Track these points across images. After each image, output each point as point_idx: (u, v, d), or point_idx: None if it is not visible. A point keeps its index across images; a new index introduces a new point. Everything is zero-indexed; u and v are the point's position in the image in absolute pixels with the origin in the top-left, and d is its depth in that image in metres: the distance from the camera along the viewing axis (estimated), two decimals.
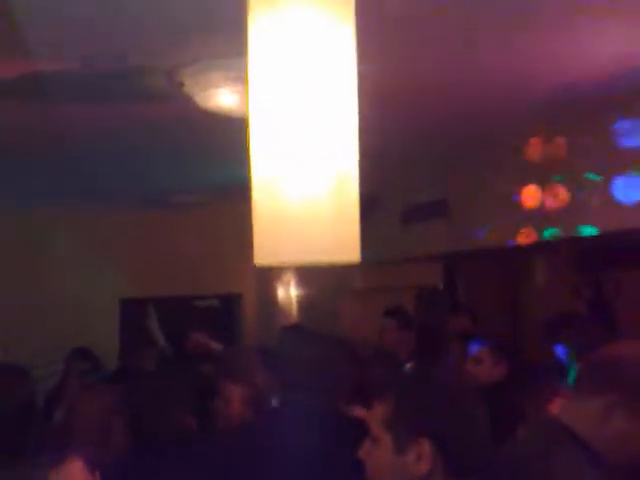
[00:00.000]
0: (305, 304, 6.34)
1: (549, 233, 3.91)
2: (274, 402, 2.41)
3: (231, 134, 3.58)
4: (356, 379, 2.46)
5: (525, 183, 3.96)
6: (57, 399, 3.77)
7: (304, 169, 0.94)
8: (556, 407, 2.03)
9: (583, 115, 3.40)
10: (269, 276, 6.49)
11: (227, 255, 6.31)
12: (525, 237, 4.10)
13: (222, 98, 2.95)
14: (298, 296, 6.41)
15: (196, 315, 6.55)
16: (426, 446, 1.36)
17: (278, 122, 0.95)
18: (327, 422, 2.00)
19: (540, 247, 4.47)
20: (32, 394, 2.64)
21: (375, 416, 1.44)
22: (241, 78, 2.84)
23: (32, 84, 2.83)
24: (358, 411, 2.23)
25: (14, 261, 5.83)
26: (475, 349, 3.41)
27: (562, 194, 3.71)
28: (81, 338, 5.14)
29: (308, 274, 6.21)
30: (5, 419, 2.27)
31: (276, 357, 2.51)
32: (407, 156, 4.44)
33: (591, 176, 3.54)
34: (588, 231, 3.60)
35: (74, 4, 2.18)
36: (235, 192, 5.75)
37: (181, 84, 2.90)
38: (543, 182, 3.85)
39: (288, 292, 6.47)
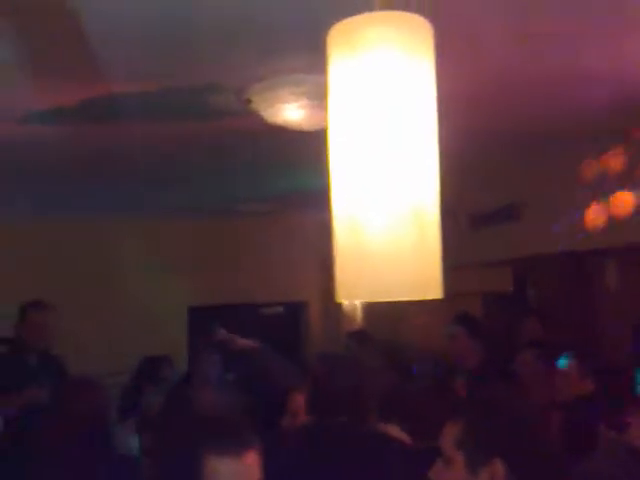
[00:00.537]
0: (371, 311, 6.35)
1: (621, 237, 3.81)
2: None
3: (297, 146, 3.66)
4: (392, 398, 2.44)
5: (598, 188, 3.87)
6: (133, 404, 3.86)
7: (385, 205, 0.96)
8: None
9: None
10: (334, 283, 6.52)
11: (293, 263, 6.39)
12: (597, 241, 4.00)
13: (288, 113, 3.01)
14: (364, 303, 6.42)
15: (262, 322, 6.64)
16: (499, 466, 1.36)
17: (359, 157, 0.97)
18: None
19: (612, 252, 4.36)
20: (107, 405, 2.73)
21: (448, 437, 1.45)
22: (306, 93, 2.90)
23: (107, 105, 2.95)
24: (392, 430, 2.22)
25: (89, 269, 6.03)
26: (563, 363, 3.37)
27: (635, 199, 3.61)
28: (151, 345, 5.31)
29: None
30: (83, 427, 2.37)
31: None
32: (477, 160, 4.39)
33: None
34: None
35: (147, 26, 2.26)
36: (301, 202, 5.85)
37: (249, 101, 2.97)
38: (617, 187, 3.75)
39: (354, 303, 6.48)
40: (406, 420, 2.25)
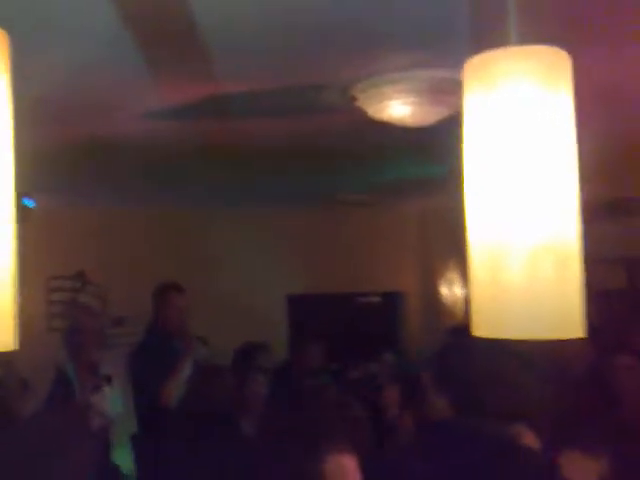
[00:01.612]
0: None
1: None
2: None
3: (398, 138, 3.65)
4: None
5: None
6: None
7: (524, 240, 0.95)
8: None
9: None
10: (433, 274, 6.48)
11: (391, 253, 6.37)
12: None
13: (393, 110, 3.01)
14: (464, 294, 6.33)
15: (358, 312, 6.68)
16: None
17: (496, 192, 0.97)
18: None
19: None
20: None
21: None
22: (411, 90, 2.89)
23: (218, 104, 3.05)
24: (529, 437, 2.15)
25: (193, 257, 6.25)
26: None
27: None
28: (250, 333, 5.46)
29: None
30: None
31: (445, 369, 2.45)
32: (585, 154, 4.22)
33: None
34: None
35: (257, 29, 2.32)
36: (400, 192, 5.83)
37: (354, 98, 2.99)
38: None
39: (453, 290, 6.41)
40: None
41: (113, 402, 3.73)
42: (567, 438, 2.00)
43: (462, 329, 4.54)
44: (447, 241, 6.28)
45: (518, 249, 0.94)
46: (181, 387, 3.48)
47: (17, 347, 0.83)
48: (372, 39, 2.44)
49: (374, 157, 4.51)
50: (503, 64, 0.96)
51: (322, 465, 1.55)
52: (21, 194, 5.08)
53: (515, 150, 0.96)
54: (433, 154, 4.40)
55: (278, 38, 2.41)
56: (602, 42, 2.44)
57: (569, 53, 0.93)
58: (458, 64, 2.77)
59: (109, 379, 3.69)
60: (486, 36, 2.22)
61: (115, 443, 3.95)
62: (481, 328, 0.99)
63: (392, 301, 6.72)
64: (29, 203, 5.06)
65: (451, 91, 2.92)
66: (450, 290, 6.43)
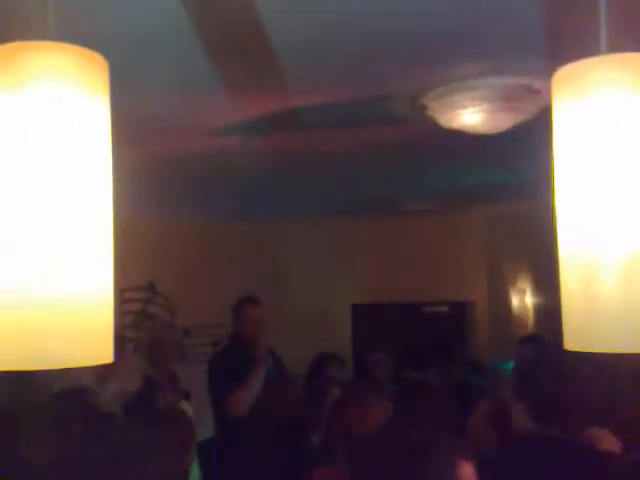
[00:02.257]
0: (542, 313, 6.13)
1: None
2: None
3: (464, 145, 3.63)
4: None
5: None
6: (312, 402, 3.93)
7: (619, 248, 0.94)
8: None
9: None
10: (501, 282, 6.38)
11: (458, 261, 6.31)
12: None
13: (466, 118, 3.00)
14: (534, 304, 6.21)
15: (425, 322, 6.62)
16: None
17: (589, 200, 0.96)
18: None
19: None
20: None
21: None
22: (484, 97, 2.88)
23: (290, 117, 3.11)
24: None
25: (259, 271, 6.34)
26: None
27: None
28: (316, 343, 5.49)
29: (543, 280, 6.00)
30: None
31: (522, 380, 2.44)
32: None
33: None
34: None
35: (327, 43, 2.36)
36: (467, 200, 5.78)
37: (424, 107, 2.99)
38: None
39: (523, 300, 6.29)
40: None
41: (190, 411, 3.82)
42: None
43: (535, 338, 4.44)
44: (514, 249, 6.18)
45: (612, 259, 0.94)
46: (253, 397, 3.54)
47: (113, 359, 0.88)
48: (442, 47, 2.44)
49: (439, 164, 4.49)
50: (595, 72, 0.96)
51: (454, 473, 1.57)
52: None
53: (608, 158, 0.95)
54: (499, 161, 4.36)
55: (348, 49, 2.44)
56: None
57: None
58: (530, 70, 2.75)
59: (187, 395, 3.77)
60: (561, 43, 2.20)
61: None
62: (574, 342, 0.98)
63: (459, 311, 6.64)
64: None
65: (522, 98, 2.89)
66: (518, 299, 6.31)
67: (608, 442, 2.11)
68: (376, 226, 6.45)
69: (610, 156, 0.95)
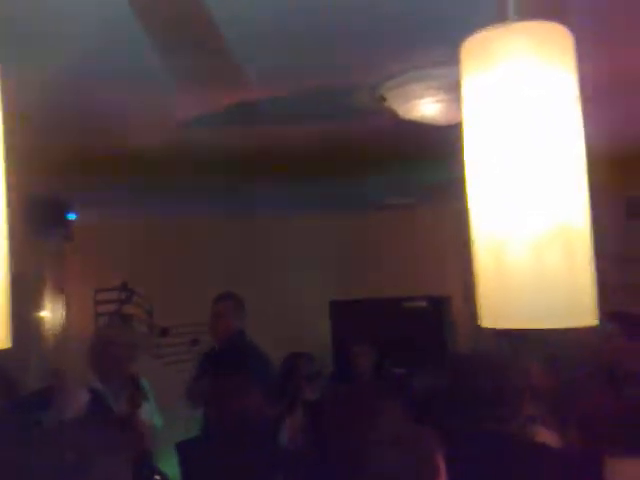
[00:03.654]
0: None
1: None
2: None
3: (437, 138, 3.61)
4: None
5: None
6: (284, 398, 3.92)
7: (528, 223, 0.92)
8: None
9: None
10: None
11: (437, 256, 6.30)
12: None
13: (424, 108, 2.97)
14: None
15: (405, 317, 6.61)
16: None
17: (497, 173, 0.94)
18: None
19: None
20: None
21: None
22: (442, 87, 2.86)
23: (250, 110, 3.08)
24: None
25: (240, 266, 6.30)
26: None
27: None
28: (294, 340, 5.47)
29: None
30: None
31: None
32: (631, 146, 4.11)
33: None
34: None
35: (280, 30, 2.32)
36: (444, 193, 5.75)
37: (382, 98, 2.97)
38: None
39: None
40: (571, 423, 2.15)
41: (153, 415, 3.76)
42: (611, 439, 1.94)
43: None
44: None
45: (523, 236, 0.92)
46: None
47: (10, 345, 0.84)
48: (397, 34, 2.42)
49: (417, 158, 4.47)
50: (502, 41, 0.93)
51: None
52: (65, 208, 5.21)
53: (517, 132, 0.93)
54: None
55: (301, 40, 2.41)
56: (610, 25, 2.35)
57: (572, 33, 0.90)
58: None
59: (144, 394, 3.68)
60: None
61: (160, 451, 3.99)
62: (489, 320, 0.96)
63: (440, 305, 6.62)
64: (71, 217, 5.19)
65: None
66: None
67: (543, 436, 2.11)
68: (355, 221, 6.42)
69: (518, 130, 0.93)
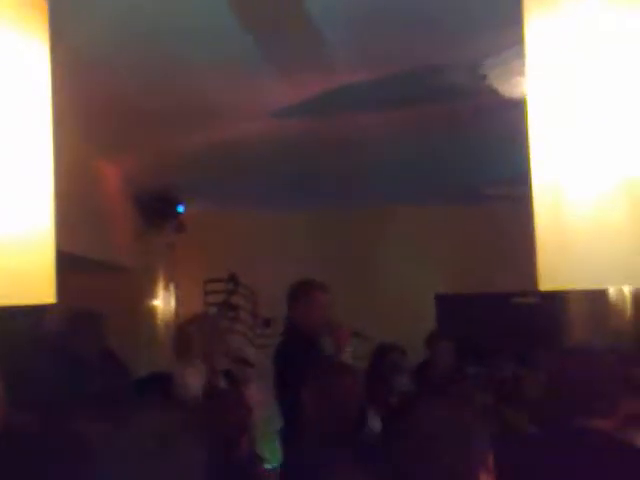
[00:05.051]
0: None
1: None
2: None
3: None
4: None
5: None
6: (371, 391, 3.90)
7: (592, 179, 0.86)
8: None
9: None
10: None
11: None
12: None
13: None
14: (634, 293, 5.83)
15: (514, 313, 6.39)
16: None
17: (562, 125, 0.88)
18: None
19: None
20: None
21: None
22: None
23: (343, 96, 3.07)
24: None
25: (341, 260, 6.35)
26: None
27: None
28: (398, 332, 5.42)
29: None
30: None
31: None
32: None
33: None
34: None
35: (374, 12, 2.30)
36: None
37: (483, 77, 2.88)
38: None
39: (621, 290, 5.92)
40: None
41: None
42: None
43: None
44: None
45: (586, 191, 0.86)
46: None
47: (55, 300, 0.88)
48: (498, 10, 2.33)
49: (518, 143, 4.31)
50: None
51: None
52: (175, 201, 5.43)
53: (584, 79, 0.87)
54: None
55: (399, 19, 2.38)
56: None
57: None
58: None
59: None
60: None
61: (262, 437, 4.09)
62: (547, 280, 0.91)
63: (553, 300, 6.33)
64: (181, 209, 5.40)
65: None
66: (619, 290, 5.95)
67: None
68: (461, 213, 6.28)
69: (586, 77, 0.87)
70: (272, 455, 4.13)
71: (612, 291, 5.99)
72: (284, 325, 4.16)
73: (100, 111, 3.16)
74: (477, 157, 4.62)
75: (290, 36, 2.50)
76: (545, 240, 0.91)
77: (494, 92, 2.94)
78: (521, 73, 2.81)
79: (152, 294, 5.84)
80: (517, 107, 3.01)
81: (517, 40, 2.70)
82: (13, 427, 2.60)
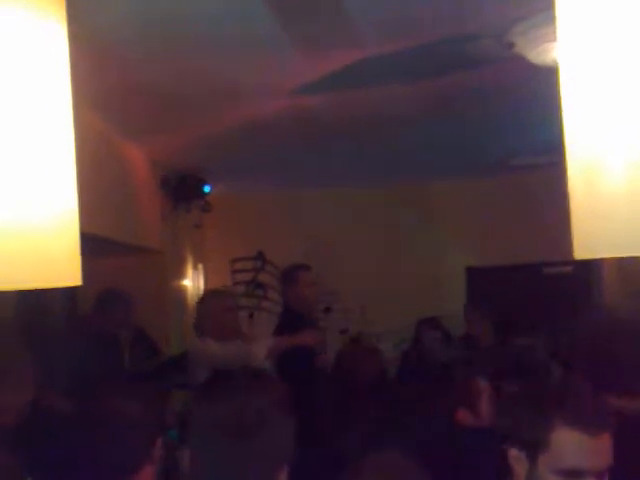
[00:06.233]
0: None
1: None
2: None
3: None
4: None
5: None
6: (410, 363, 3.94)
7: (626, 149, 0.83)
8: None
9: None
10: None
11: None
12: None
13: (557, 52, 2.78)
14: None
15: (546, 283, 6.32)
16: None
17: (595, 95, 0.86)
18: None
19: None
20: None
21: None
22: None
23: (366, 69, 3.03)
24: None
25: (373, 233, 6.35)
26: None
27: None
28: (429, 306, 5.43)
29: None
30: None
31: None
32: None
33: None
34: None
35: None
36: None
37: (511, 45, 2.83)
38: None
39: None
40: None
41: None
42: None
43: None
44: None
45: (620, 157, 0.84)
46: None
47: (81, 283, 0.89)
48: None
49: (547, 112, 4.23)
50: None
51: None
52: (201, 181, 5.45)
53: (617, 43, 0.84)
54: None
55: None
56: None
57: None
58: None
59: None
60: None
61: None
62: (582, 249, 0.89)
63: (585, 269, 6.25)
64: (207, 189, 5.42)
65: None
66: None
67: None
68: (487, 184, 6.21)
69: (620, 41, 0.84)
70: None
71: None
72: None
73: (126, 93, 3.17)
74: (506, 127, 4.55)
75: (316, 10, 2.47)
76: (580, 208, 0.89)
77: (523, 59, 2.88)
78: (551, 40, 2.75)
79: (180, 274, 5.89)
80: (546, 75, 2.96)
81: (547, 5, 2.65)
82: (49, 409, 2.66)
